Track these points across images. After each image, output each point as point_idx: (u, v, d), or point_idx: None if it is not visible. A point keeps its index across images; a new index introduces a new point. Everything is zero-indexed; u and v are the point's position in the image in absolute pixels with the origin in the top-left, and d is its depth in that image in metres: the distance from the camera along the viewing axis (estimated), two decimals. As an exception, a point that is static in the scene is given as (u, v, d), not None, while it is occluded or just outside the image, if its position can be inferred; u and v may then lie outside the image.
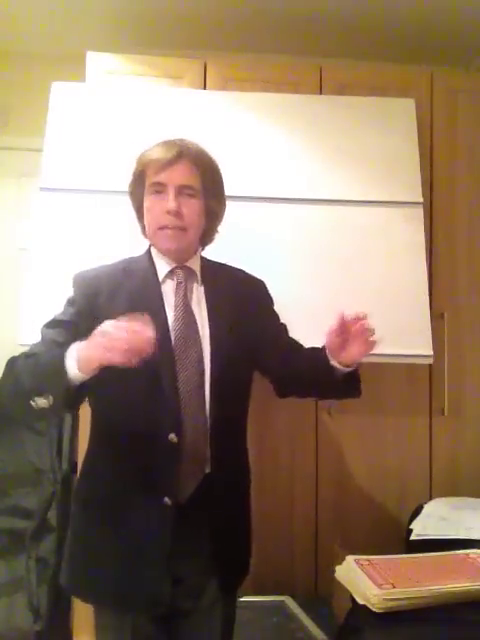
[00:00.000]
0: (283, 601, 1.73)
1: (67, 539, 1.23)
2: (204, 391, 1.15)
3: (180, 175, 1.17)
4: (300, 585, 1.87)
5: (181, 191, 1.17)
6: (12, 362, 1.12)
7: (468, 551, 1.29)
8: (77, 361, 1.00)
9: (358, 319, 1.10)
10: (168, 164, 1.16)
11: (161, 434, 1.11)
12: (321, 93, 2.02)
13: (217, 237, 1.33)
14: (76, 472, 1.91)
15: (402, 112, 1.97)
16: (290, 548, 1.90)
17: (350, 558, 1.25)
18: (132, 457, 1.14)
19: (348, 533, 1.92)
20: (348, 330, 1.11)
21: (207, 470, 1.15)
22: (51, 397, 1.02)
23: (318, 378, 1.22)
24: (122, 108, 1.91)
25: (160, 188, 1.18)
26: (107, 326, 0.97)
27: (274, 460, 1.92)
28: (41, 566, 1.94)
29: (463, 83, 2.08)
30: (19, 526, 1.98)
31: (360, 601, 1.12)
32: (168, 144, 1.20)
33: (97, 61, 1.96)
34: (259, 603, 1.70)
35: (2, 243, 2.47)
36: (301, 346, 1.32)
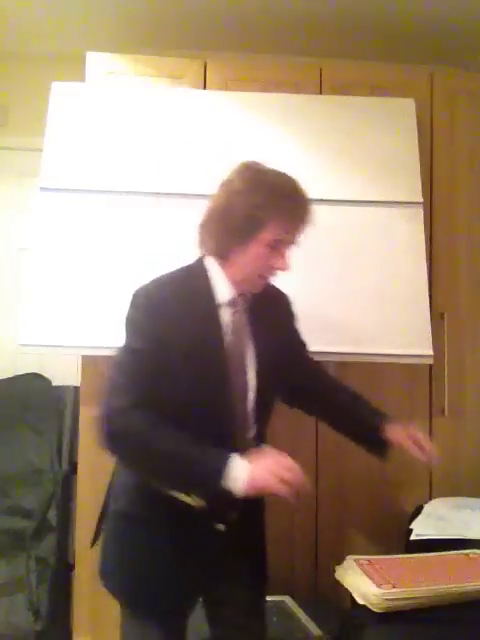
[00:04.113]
0: (283, 601, 1.73)
1: (114, 548, 1.23)
2: (248, 414, 1.20)
3: (300, 235, 1.18)
4: (300, 585, 1.87)
5: (291, 247, 1.19)
6: (122, 421, 1.08)
7: (468, 551, 1.29)
8: (244, 481, 1.03)
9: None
10: (303, 228, 1.17)
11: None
12: (321, 93, 2.02)
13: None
14: (76, 472, 1.92)
15: (402, 112, 1.97)
16: (290, 548, 1.90)
17: (350, 558, 1.26)
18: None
19: (348, 533, 1.92)
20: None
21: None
22: (198, 498, 1.09)
23: (352, 427, 1.35)
24: (122, 108, 1.91)
25: (280, 245, 1.16)
26: (282, 459, 1.04)
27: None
28: (41, 566, 1.94)
29: (463, 83, 2.08)
30: (19, 526, 1.98)
31: (360, 601, 1.12)
32: (304, 204, 1.17)
33: (97, 61, 1.97)
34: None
35: (2, 243, 2.47)
36: (317, 364, 1.40)
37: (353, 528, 1.92)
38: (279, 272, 1.18)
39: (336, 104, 1.97)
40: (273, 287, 1.30)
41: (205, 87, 1.99)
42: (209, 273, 1.18)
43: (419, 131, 1.96)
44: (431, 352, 1.81)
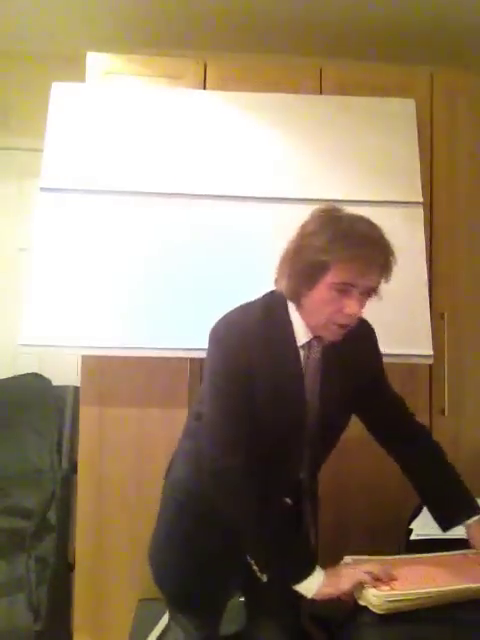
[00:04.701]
0: (283, 601, 1.73)
1: (167, 537, 1.26)
2: (316, 450, 1.27)
3: (373, 280, 1.13)
4: (300, 585, 1.87)
5: (365, 293, 1.13)
6: (233, 481, 1.12)
7: (467, 551, 1.29)
8: (320, 587, 1.09)
9: None
10: (371, 272, 1.12)
11: (294, 474, 1.25)
12: (321, 93, 2.02)
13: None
14: (76, 472, 1.92)
15: (402, 112, 1.97)
16: (290, 548, 1.90)
17: (348, 558, 1.25)
18: (267, 487, 1.15)
19: (348, 533, 1.92)
20: None
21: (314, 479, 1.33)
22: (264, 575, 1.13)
23: (425, 492, 1.40)
24: (122, 108, 1.91)
25: (348, 288, 1.11)
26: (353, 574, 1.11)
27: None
28: (41, 566, 1.94)
29: (463, 83, 2.08)
30: (19, 526, 1.98)
31: (361, 602, 1.12)
32: (378, 249, 1.14)
33: (97, 61, 1.97)
34: (259, 603, 1.69)
35: (2, 243, 2.47)
36: (402, 403, 1.41)
37: (353, 528, 1.92)
38: (352, 317, 1.13)
39: (336, 104, 1.97)
40: (360, 324, 1.22)
41: (205, 87, 1.99)
42: (289, 314, 1.17)
43: (419, 131, 1.96)
44: (431, 352, 1.81)
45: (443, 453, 1.38)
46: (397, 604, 1.08)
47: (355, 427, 1.95)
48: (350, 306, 1.10)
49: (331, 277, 1.10)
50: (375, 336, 1.35)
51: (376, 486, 1.94)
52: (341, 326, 1.13)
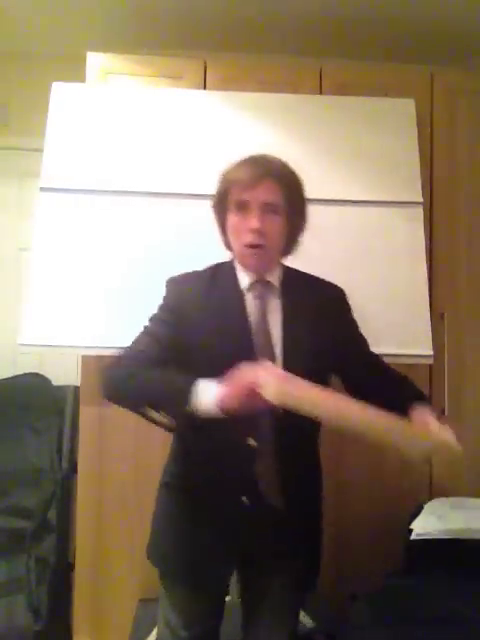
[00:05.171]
0: (283, 601, 1.73)
1: (154, 516, 1.31)
2: None
3: (264, 193, 1.19)
4: (300, 585, 1.87)
5: (265, 209, 1.19)
6: (125, 360, 1.19)
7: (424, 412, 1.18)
8: (219, 403, 1.05)
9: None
10: (253, 183, 1.18)
11: (242, 437, 1.17)
12: (321, 93, 2.02)
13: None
14: (76, 472, 1.93)
15: (402, 112, 1.97)
16: (290, 548, 1.90)
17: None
18: (218, 457, 1.20)
19: (348, 533, 1.92)
20: None
21: (284, 472, 1.21)
22: (172, 419, 1.11)
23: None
24: (122, 108, 1.91)
25: (244, 206, 1.19)
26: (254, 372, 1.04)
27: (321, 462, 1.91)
28: (41, 566, 1.94)
29: (463, 83, 2.08)
30: (19, 526, 1.98)
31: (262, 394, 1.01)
32: (252, 162, 1.22)
33: (97, 61, 1.97)
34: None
35: (2, 243, 2.47)
36: (382, 362, 1.36)
37: (353, 528, 1.92)
38: (255, 233, 1.18)
39: (336, 104, 1.97)
40: (323, 281, 1.35)
41: (205, 87, 1.99)
42: (235, 264, 1.28)
43: (419, 131, 1.96)
44: (431, 352, 1.81)
45: (381, 361, 1.36)
46: (292, 399, 0.99)
47: (355, 427, 1.96)
48: (250, 221, 1.17)
49: (231, 197, 1.20)
50: (346, 302, 1.37)
51: (376, 486, 1.94)
52: (250, 246, 1.19)
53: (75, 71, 1.95)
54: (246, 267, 1.25)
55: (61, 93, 1.90)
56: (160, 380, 1.14)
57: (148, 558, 1.29)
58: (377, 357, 1.35)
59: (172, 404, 1.09)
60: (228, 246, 1.29)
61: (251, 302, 1.24)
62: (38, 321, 1.74)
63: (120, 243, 1.81)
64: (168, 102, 1.93)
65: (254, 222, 1.17)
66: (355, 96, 1.98)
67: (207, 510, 1.20)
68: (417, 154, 1.93)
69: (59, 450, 2.07)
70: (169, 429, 1.14)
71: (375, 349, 1.72)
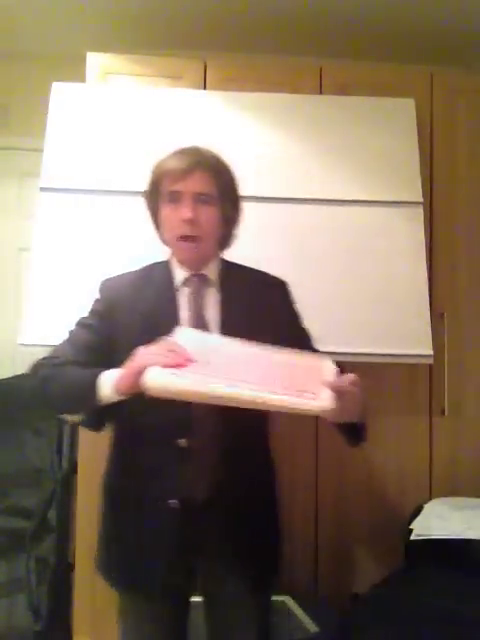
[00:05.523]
0: (283, 601, 1.73)
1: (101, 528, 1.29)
2: None
3: (196, 183, 1.18)
4: (300, 585, 1.87)
5: (197, 199, 1.18)
6: (40, 368, 1.17)
7: (325, 363, 1.09)
8: (117, 387, 1.04)
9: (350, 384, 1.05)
10: (184, 173, 1.17)
11: (172, 438, 1.14)
12: (321, 93, 2.02)
13: (235, 240, 1.33)
14: (76, 472, 1.92)
15: (402, 112, 1.97)
16: (290, 548, 1.90)
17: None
18: (147, 458, 1.17)
19: (348, 533, 1.92)
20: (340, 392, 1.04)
21: (222, 472, 1.16)
22: (83, 416, 1.11)
23: None
24: (122, 108, 1.91)
25: (176, 197, 1.18)
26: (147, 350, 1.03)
27: (274, 460, 1.92)
28: (41, 566, 1.94)
29: (463, 83, 2.08)
30: (19, 526, 1.98)
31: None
32: (184, 153, 1.21)
33: (97, 61, 1.97)
34: (259, 603, 1.69)
35: (2, 243, 2.47)
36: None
37: (353, 528, 1.92)
38: (188, 224, 1.17)
39: (336, 104, 1.97)
40: (264, 274, 1.32)
41: (205, 87, 2.00)
42: (171, 260, 1.27)
43: (419, 131, 1.96)
44: (431, 352, 1.81)
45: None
46: (166, 389, 0.97)
47: (355, 427, 1.96)
48: (182, 212, 1.16)
49: (161, 192, 1.20)
50: (288, 294, 1.34)
51: (376, 486, 1.94)
52: (182, 238, 1.18)
53: (75, 71, 1.95)
54: (181, 261, 1.23)
55: (61, 93, 1.90)
56: (69, 381, 1.12)
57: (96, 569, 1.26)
58: (317, 351, 1.32)
59: (83, 400, 1.08)
60: (163, 241, 1.27)
61: (187, 298, 1.22)
62: (38, 321, 1.74)
63: (120, 243, 1.81)
64: (168, 102, 1.93)
65: (186, 212, 1.16)
66: (355, 96, 1.98)
67: (138, 513, 1.16)
68: (417, 154, 1.93)
69: (59, 450, 2.07)
70: (91, 427, 1.13)
71: (375, 349, 1.73)
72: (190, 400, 1.00)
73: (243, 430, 1.16)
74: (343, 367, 1.11)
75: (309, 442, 1.94)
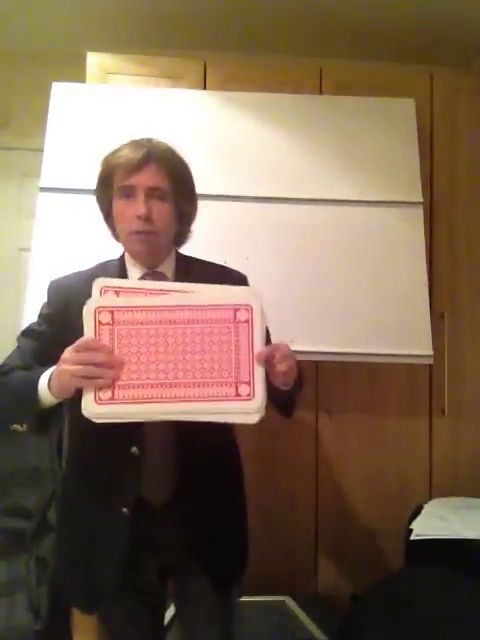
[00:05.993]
0: (283, 601, 1.73)
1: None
2: None
3: (149, 177, 1.14)
4: (300, 585, 1.87)
5: (151, 194, 1.14)
6: None
7: (239, 303, 1.00)
8: (50, 387, 1.01)
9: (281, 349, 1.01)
10: (137, 167, 1.13)
11: (124, 447, 1.11)
12: (321, 93, 2.02)
13: (191, 236, 1.30)
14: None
15: (402, 112, 1.97)
16: (290, 548, 1.90)
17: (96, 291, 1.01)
18: (99, 467, 1.15)
19: (348, 533, 1.92)
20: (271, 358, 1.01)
21: (178, 478, 1.14)
22: (24, 424, 1.06)
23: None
24: (122, 108, 1.91)
25: (129, 191, 1.15)
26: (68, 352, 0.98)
27: (274, 460, 1.92)
28: (41, 566, 1.94)
29: (463, 83, 2.09)
30: (19, 526, 1.98)
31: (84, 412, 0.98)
32: (135, 145, 1.17)
33: (97, 61, 1.97)
34: (259, 603, 1.70)
35: (2, 243, 2.47)
36: None
37: (353, 528, 1.93)
38: (142, 220, 1.13)
39: (336, 104, 1.97)
40: (223, 268, 1.27)
41: (205, 87, 2.00)
42: (125, 258, 1.22)
43: (419, 131, 1.96)
44: (431, 352, 1.81)
45: None
46: (111, 417, 0.97)
47: (355, 428, 1.96)
48: (136, 207, 1.12)
49: (113, 187, 1.16)
50: (245, 283, 1.28)
51: (376, 486, 1.94)
52: (136, 233, 1.14)
53: (75, 71, 1.95)
54: (135, 256, 1.19)
55: (61, 93, 1.90)
56: (12, 386, 1.08)
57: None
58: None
59: (26, 405, 1.04)
60: (116, 237, 1.22)
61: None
62: (38, 321, 1.74)
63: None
64: (168, 102, 1.93)
65: (140, 208, 1.12)
66: (355, 96, 1.98)
67: (91, 523, 1.14)
68: (417, 154, 1.93)
69: (59, 450, 2.07)
70: (36, 432, 1.10)
71: (375, 349, 1.73)
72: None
73: (200, 434, 1.11)
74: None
75: (309, 444, 1.94)
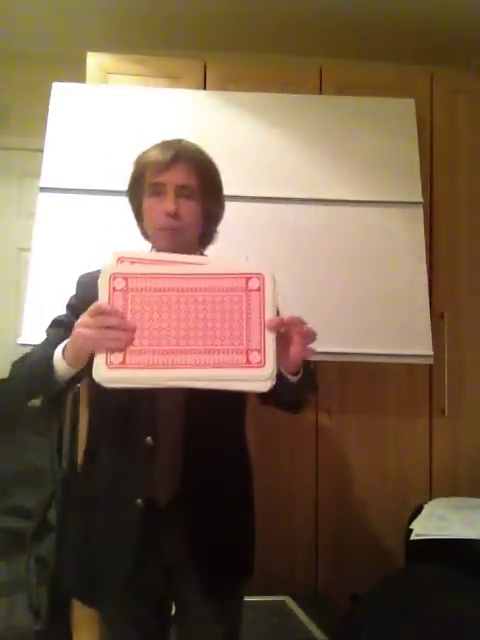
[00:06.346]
0: (283, 601, 1.73)
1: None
2: (180, 393, 1.10)
3: (179, 176, 1.17)
4: (300, 585, 1.87)
5: (180, 192, 1.17)
6: (13, 365, 1.16)
7: (251, 272, 1.00)
8: (64, 356, 1.03)
9: (296, 322, 1.01)
10: (167, 165, 1.16)
11: (139, 436, 1.13)
12: (321, 93, 2.02)
13: (217, 237, 1.32)
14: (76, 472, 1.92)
15: (402, 112, 1.97)
16: (290, 548, 1.90)
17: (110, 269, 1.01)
18: (113, 456, 1.16)
19: (348, 533, 1.92)
20: (288, 332, 1.01)
21: (188, 472, 1.14)
22: (41, 397, 1.06)
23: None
24: (122, 108, 1.91)
25: (159, 189, 1.18)
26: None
27: (274, 460, 1.92)
28: (41, 566, 1.94)
29: (463, 83, 2.09)
30: (19, 526, 1.98)
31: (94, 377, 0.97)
32: (166, 145, 1.21)
33: (97, 61, 1.97)
34: (259, 603, 1.70)
35: (2, 243, 2.47)
36: None
37: (353, 528, 1.93)
38: (170, 217, 1.15)
39: (336, 104, 1.97)
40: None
41: (205, 87, 2.00)
42: (150, 251, 1.25)
43: (419, 131, 1.96)
44: (431, 352, 1.81)
45: None
46: (121, 382, 0.97)
47: (355, 428, 1.96)
48: (165, 204, 1.15)
49: (144, 185, 1.20)
50: None
51: (376, 486, 1.94)
52: (162, 229, 1.17)
53: (75, 71, 1.95)
54: (160, 252, 1.20)
55: (61, 93, 1.90)
56: (32, 362, 1.11)
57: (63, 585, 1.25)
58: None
59: (43, 377, 1.05)
60: (144, 234, 1.26)
61: None
62: (38, 321, 1.74)
63: (120, 243, 1.81)
64: (168, 102, 1.93)
65: (169, 205, 1.15)
66: (355, 96, 1.98)
67: (104, 513, 1.14)
68: (417, 154, 1.93)
69: (59, 450, 2.07)
70: (45, 410, 1.10)
71: (375, 349, 1.73)
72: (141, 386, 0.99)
73: (213, 429, 1.14)
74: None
75: (309, 443, 1.94)
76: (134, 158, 1.24)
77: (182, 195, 1.17)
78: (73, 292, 1.27)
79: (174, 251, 1.17)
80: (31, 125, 2.15)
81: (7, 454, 2.07)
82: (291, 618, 1.67)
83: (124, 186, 1.87)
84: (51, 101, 1.89)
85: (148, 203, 1.20)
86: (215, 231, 1.30)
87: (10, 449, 2.08)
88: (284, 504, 1.91)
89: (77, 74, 1.94)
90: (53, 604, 1.92)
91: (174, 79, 1.99)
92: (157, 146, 1.21)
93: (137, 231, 1.31)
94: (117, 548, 1.13)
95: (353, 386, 1.94)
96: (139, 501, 1.11)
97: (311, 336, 1.02)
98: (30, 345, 1.72)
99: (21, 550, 1.95)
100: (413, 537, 1.57)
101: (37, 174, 1.85)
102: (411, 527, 1.62)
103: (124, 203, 1.84)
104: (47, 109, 1.88)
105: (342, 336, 1.78)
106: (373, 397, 1.96)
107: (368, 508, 1.93)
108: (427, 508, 1.72)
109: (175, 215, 1.15)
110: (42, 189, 1.82)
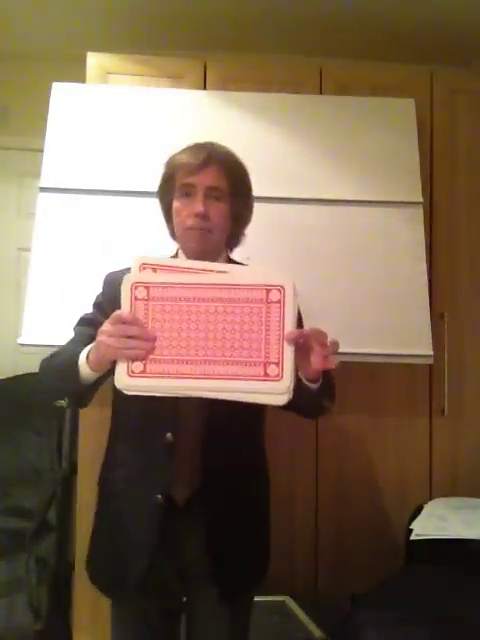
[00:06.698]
0: (283, 601, 1.73)
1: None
2: None
3: (209, 178, 1.18)
4: (300, 585, 1.87)
5: (209, 194, 1.18)
6: (42, 363, 1.18)
7: (272, 284, 0.99)
8: (88, 360, 1.04)
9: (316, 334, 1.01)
10: (198, 167, 1.18)
11: (160, 433, 1.14)
12: (321, 93, 2.02)
13: (244, 240, 1.33)
14: (76, 472, 1.92)
15: (402, 112, 1.97)
16: (290, 548, 1.90)
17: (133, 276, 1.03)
18: (134, 452, 1.18)
19: (348, 533, 1.92)
20: (308, 342, 1.01)
21: (207, 470, 1.15)
22: (66, 398, 1.12)
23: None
24: (122, 108, 1.91)
25: (189, 190, 1.19)
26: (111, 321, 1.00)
27: (274, 460, 1.91)
28: (41, 566, 1.94)
29: (463, 83, 2.09)
30: (19, 526, 1.98)
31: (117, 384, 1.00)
32: (198, 148, 1.22)
33: (97, 61, 1.97)
34: (259, 603, 1.69)
35: (2, 243, 2.47)
36: None
37: (353, 528, 1.92)
38: (199, 217, 1.16)
39: (336, 104, 1.97)
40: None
41: (205, 87, 2.00)
42: (178, 256, 1.27)
43: (419, 131, 1.96)
44: (431, 352, 1.81)
45: None
46: (141, 390, 0.99)
47: (355, 428, 1.96)
48: (194, 205, 1.17)
49: (174, 186, 1.21)
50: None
51: (376, 486, 1.94)
52: (191, 228, 1.18)
53: (75, 71, 1.95)
54: (188, 253, 1.23)
55: (61, 93, 1.90)
56: (59, 361, 1.13)
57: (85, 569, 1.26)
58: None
59: (70, 378, 1.07)
60: (172, 234, 1.27)
61: None
62: (38, 321, 1.74)
63: (120, 243, 1.81)
64: (168, 102, 1.93)
65: (198, 206, 1.16)
66: (355, 96, 1.98)
67: (124, 508, 1.17)
68: (417, 154, 1.93)
69: (59, 450, 2.07)
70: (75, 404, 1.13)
71: (375, 349, 1.73)
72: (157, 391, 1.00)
73: (233, 429, 1.15)
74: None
75: (309, 443, 1.94)
76: (165, 159, 1.26)
77: (211, 197, 1.18)
78: (100, 290, 1.30)
79: (202, 251, 1.21)
80: (31, 125, 2.15)
81: (7, 454, 2.07)
82: (291, 618, 1.67)
83: (124, 186, 1.88)
84: (51, 101, 1.89)
85: (178, 204, 1.21)
86: (243, 234, 1.31)
87: (10, 449, 2.08)
88: (284, 504, 1.91)
89: (77, 74, 1.94)
90: (53, 604, 1.92)
91: (174, 79, 1.99)
92: (188, 148, 1.23)
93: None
94: (136, 544, 1.15)
95: (353, 386, 1.94)
96: (159, 497, 1.13)
97: (333, 347, 1.02)
98: (30, 345, 1.74)
99: (21, 550, 1.95)
100: (413, 537, 1.57)
101: (37, 174, 1.85)
102: (411, 527, 1.62)
103: (124, 203, 1.86)
104: (47, 109, 1.88)
105: (342, 336, 1.77)
106: (373, 397, 1.96)
107: (368, 508, 1.93)
108: (427, 508, 1.72)
109: (204, 216, 1.17)
110: (42, 189, 1.82)
